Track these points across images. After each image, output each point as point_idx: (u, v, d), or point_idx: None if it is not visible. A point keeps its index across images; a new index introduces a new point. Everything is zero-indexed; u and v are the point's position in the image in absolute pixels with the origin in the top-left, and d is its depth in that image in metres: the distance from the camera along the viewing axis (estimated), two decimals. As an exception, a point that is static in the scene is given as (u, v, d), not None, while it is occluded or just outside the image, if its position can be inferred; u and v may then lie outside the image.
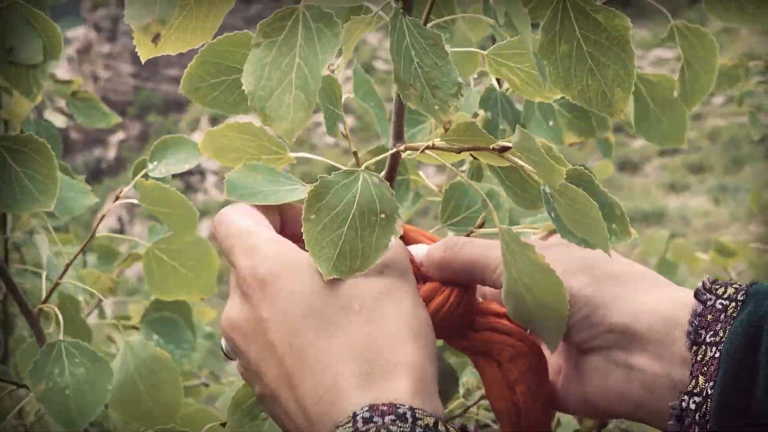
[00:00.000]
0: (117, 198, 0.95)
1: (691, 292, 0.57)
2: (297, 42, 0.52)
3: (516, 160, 0.54)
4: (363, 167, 0.57)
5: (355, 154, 0.66)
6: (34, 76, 0.82)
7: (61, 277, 0.96)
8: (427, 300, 0.61)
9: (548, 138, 0.95)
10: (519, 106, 0.94)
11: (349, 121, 0.68)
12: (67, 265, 0.97)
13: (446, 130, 0.55)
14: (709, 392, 0.53)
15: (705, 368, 0.54)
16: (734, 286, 0.56)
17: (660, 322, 0.57)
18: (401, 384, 0.52)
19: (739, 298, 0.55)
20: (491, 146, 0.53)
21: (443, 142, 0.56)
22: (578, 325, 0.58)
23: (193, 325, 1.11)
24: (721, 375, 0.53)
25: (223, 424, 0.72)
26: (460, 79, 0.54)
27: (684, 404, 0.54)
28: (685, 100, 0.87)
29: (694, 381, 0.54)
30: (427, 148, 0.58)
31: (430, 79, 0.54)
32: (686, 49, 0.85)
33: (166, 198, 0.92)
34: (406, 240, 0.65)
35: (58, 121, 1.24)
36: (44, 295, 0.95)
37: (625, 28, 0.52)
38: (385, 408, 0.50)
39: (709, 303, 0.56)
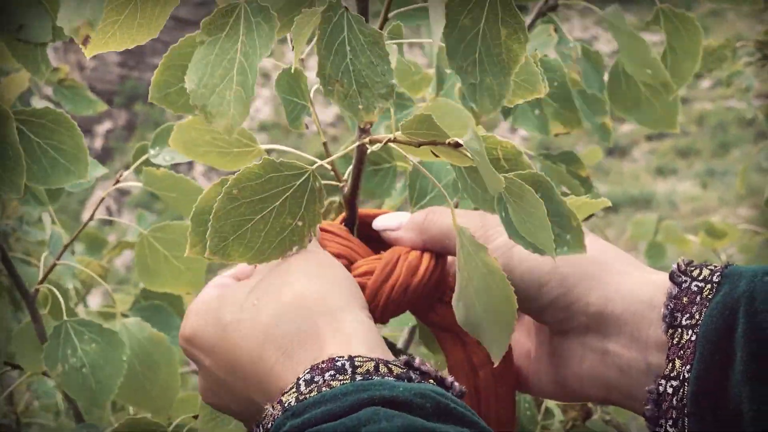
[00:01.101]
0: (117, 181, 0.96)
1: (666, 275, 0.57)
2: (239, 38, 0.52)
3: (470, 156, 0.53)
4: (315, 166, 0.57)
5: (324, 144, 0.67)
6: (42, 55, 0.81)
7: (59, 258, 0.96)
8: (393, 265, 0.61)
9: (534, 128, 0.94)
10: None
11: (330, 112, 0.68)
12: (65, 246, 0.97)
13: (366, 131, 0.55)
14: (686, 376, 0.52)
15: (681, 351, 0.53)
16: (709, 267, 0.56)
17: (635, 305, 0.56)
18: (357, 339, 0.53)
19: (715, 279, 0.54)
20: (446, 141, 0.52)
21: (404, 136, 0.56)
22: (554, 304, 0.58)
23: (183, 313, 1.11)
24: (697, 358, 0.52)
25: (196, 417, 0.71)
26: (393, 82, 0.53)
27: (661, 388, 0.54)
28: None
29: (670, 365, 0.54)
30: (389, 141, 0.57)
31: (361, 77, 0.53)
32: (671, 34, 0.84)
33: (177, 184, 0.93)
34: (363, 224, 0.66)
35: (45, 108, 1.24)
36: (41, 275, 0.95)
37: (516, 59, 0.51)
38: (324, 365, 0.50)
39: (684, 285, 0.55)
